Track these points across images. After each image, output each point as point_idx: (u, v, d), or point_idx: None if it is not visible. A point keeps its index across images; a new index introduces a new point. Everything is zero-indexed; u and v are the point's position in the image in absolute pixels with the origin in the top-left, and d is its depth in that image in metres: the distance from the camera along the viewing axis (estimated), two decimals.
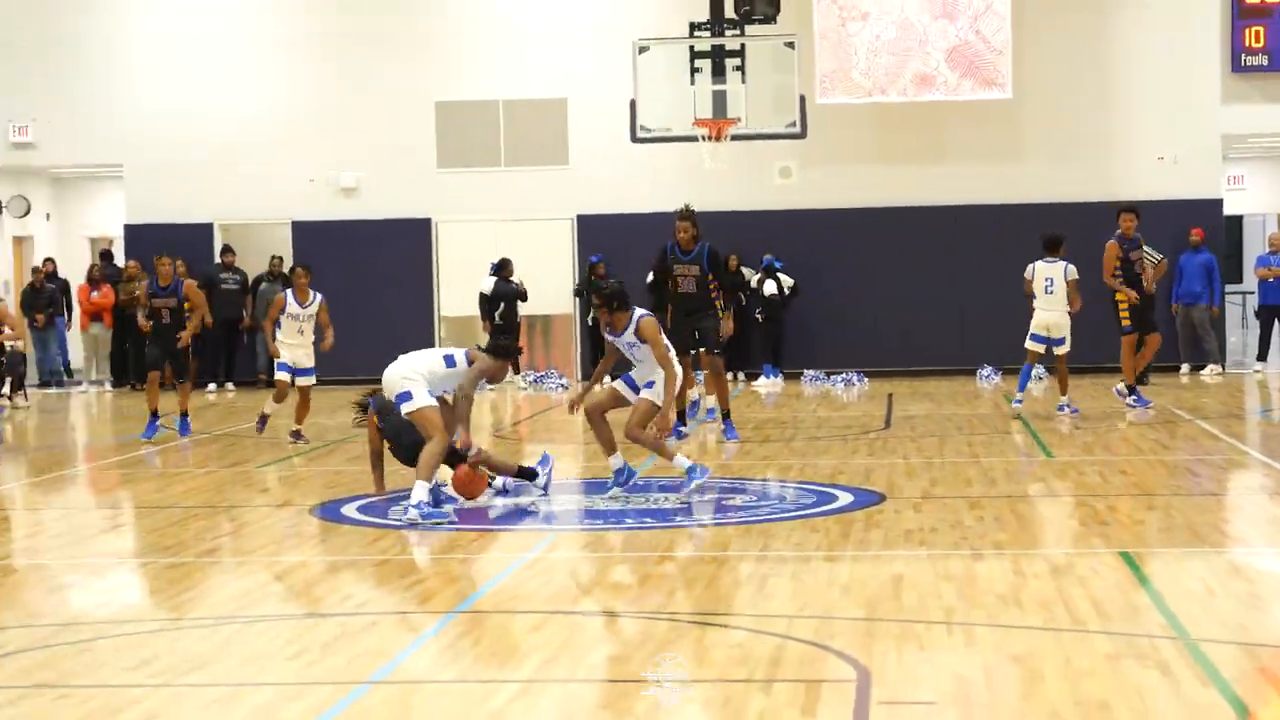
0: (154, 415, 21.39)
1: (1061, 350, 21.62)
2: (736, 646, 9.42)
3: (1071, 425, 20.93)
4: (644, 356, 14.89)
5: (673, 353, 15.10)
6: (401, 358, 14.71)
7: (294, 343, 20.76)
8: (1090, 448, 18.81)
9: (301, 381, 20.81)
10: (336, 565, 12.56)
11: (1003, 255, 25.91)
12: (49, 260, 31.10)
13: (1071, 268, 21.43)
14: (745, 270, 29.35)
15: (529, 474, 15.31)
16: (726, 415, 20.06)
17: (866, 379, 28.01)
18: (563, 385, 28.96)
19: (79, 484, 18.74)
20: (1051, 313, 21.54)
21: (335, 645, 9.90)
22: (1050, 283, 21.46)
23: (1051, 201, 28.79)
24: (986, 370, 28.13)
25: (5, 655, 9.40)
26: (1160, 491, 15.71)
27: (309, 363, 20.93)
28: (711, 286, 19.78)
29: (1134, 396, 22.11)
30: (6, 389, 27.44)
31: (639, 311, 14.86)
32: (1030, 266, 21.75)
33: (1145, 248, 22.20)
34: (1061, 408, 21.97)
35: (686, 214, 19.57)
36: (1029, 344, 21.92)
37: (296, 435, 20.73)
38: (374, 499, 15.27)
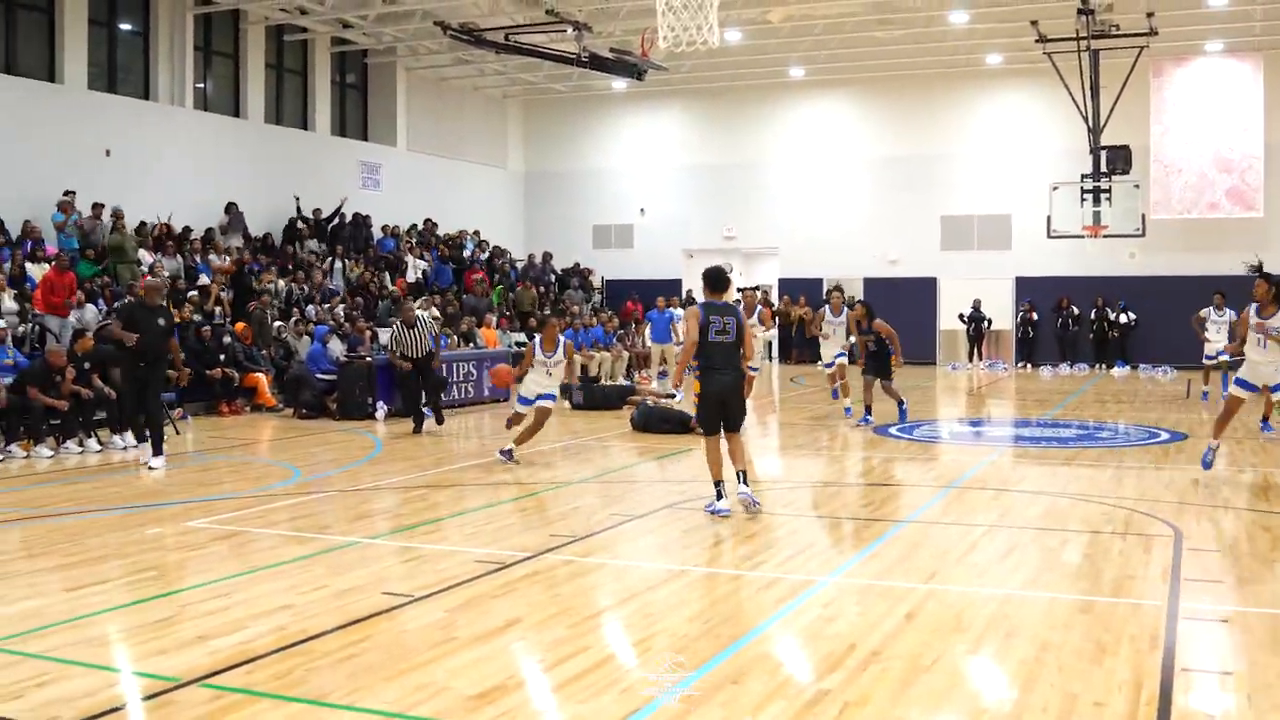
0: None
1: None
2: (1104, 513, 9.08)
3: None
4: None
5: None
6: None
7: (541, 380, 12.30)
8: None
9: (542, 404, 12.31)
10: (890, 457, 12.57)
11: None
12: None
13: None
14: (1075, 308, 27.92)
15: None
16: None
17: (1175, 370, 26.05)
18: (1004, 367, 28.15)
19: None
20: None
21: (888, 499, 9.95)
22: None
23: None
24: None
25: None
26: None
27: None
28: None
29: None
30: None
31: None
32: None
33: None
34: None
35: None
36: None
37: (508, 454, 12.07)
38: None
